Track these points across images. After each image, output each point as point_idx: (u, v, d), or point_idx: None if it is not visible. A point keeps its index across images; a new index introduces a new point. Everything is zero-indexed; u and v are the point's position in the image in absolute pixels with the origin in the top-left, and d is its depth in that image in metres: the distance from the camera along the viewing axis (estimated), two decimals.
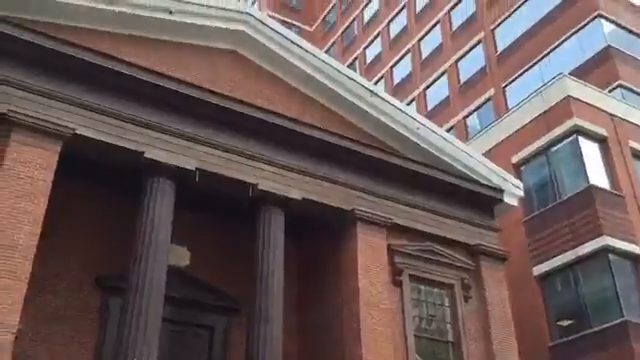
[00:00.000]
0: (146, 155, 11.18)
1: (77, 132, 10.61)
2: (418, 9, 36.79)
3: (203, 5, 12.93)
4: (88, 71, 11.02)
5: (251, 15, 13.42)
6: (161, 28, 12.45)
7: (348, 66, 38.82)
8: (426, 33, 35.53)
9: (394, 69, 37.71)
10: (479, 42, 31.02)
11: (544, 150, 19.19)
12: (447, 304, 13.61)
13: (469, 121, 30.59)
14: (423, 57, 35.27)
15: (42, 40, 10.61)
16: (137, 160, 11.19)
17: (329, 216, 13.17)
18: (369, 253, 12.77)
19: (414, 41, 36.27)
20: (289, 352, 12.08)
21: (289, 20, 45.83)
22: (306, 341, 13.27)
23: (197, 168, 11.59)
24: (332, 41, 45.79)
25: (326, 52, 39.73)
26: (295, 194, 12.46)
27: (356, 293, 12.28)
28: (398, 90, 35.45)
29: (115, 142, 11.01)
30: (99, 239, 12.09)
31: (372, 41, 40.84)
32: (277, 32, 13.63)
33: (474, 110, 30.31)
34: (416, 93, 34.82)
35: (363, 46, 41.66)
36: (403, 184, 13.91)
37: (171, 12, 12.30)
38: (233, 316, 12.94)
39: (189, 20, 12.70)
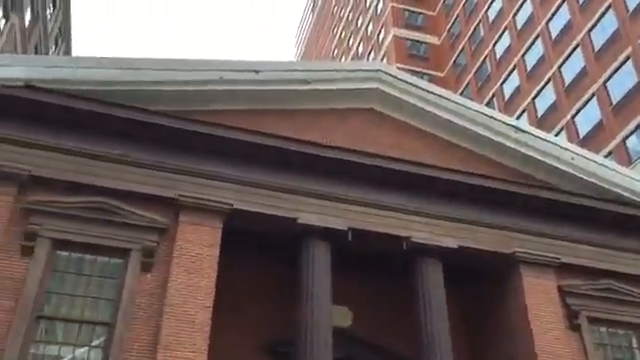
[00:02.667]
0: (299, 221, 11.56)
1: (235, 207, 11.27)
2: (554, 35, 35.35)
3: (336, 70, 13.44)
4: (241, 148, 11.75)
5: (383, 72, 13.67)
6: (298, 98, 13.04)
7: (486, 105, 37.93)
8: (566, 58, 33.90)
9: (536, 101, 36.20)
10: (628, 58, 28.94)
11: None
12: (635, 345, 12.31)
13: (629, 143, 28.28)
14: (566, 84, 33.56)
15: (208, 129, 11.54)
16: (291, 226, 11.60)
17: (489, 262, 12.64)
18: (538, 297, 12.00)
19: (554, 69, 34.72)
20: None
21: (419, 69, 46.02)
22: None
23: (349, 228, 11.75)
24: (465, 82, 45.17)
25: (461, 94, 39.24)
26: (450, 243, 12.15)
27: (530, 343, 11.51)
28: (543, 122, 33.85)
29: (269, 212, 11.53)
30: (264, 306, 12.52)
31: (508, 76, 39.71)
32: (410, 83, 13.75)
33: (634, 130, 28.01)
34: (564, 122, 33.02)
35: (499, 82, 40.61)
36: (565, 219, 13.04)
37: (308, 82, 12.87)
38: None
39: (324, 87, 13.20)
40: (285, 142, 12.00)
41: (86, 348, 9.89)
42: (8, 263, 9.76)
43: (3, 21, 25.15)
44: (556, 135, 30.70)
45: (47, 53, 32.53)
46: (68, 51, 38.01)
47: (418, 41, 49.45)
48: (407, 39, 49.04)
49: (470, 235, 12.42)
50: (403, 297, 12.40)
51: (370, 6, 55.48)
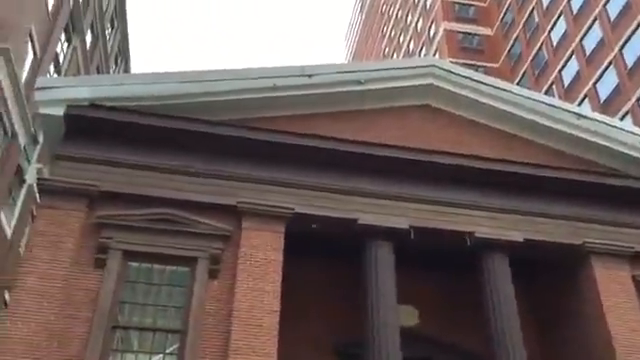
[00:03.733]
0: (360, 221, 11.56)
1: (296, 211, 11.38)
2: (612, 18, 34.06)
3: (388, 69, 13.37)
4: (298, 153, 11.87)
5: (436, 67, 13.53)
6: (352, 99, 13.05)
7: (545, 93, 36.90)
8: (627, 40, 32.59)
9: (597, 85, 34.96)
10: None
11: None
12: None
13: None
14: (629, 66, 32.26)
15: (266, 135, 11.74)
16: (352, 227, 11.61)
17: (557, 254, 12.30)
18: (612, 288, 11.60)
19: (615, 52, 33.44)
20: None
21: (472, 62, 45.20)
22: None
23: (411, 226, 11.67)
24: (522, 72, 44.07)
25: (518, 84, 38.32)
26: (516, 236, 11.90)
27: (606, 335, 11.15)
28: (607, 106, 32.65)
29: (330, 214, 11.58)
30: (330, 309, 12.58)
31: (566, 62, 38.51)
32: (464, 76, 13.55)
33: None
34: (629, 105, 31.74)
35: (557, 69, 39.43)
36: (636, 206, 12.56)
37: (361, 83, 12.87)
38: None
39: (377, 86, 13.15)
40: (341, 144, 12.04)
41: (160, 355, 10.20)
42: (83, 276, 10.18)
43: (66, 44, 26.26)
44: (621, 119, 29.52)
45: (108, 72, 33.74)
46: (127, 69, 39.33)
47: (470, 33, 48.58)
48: (459, 32, 48.25)
49: (536, 227, 12.12)
50: (469, 293, 12.23)
51: (419, 2, 54.92)
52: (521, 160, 12.72)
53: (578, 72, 37.12)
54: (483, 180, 12.33)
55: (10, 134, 20.17)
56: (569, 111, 13.45)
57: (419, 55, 51.43)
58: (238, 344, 9.85)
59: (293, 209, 11.36)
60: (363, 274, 11.34)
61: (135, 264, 10.72)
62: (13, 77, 19.14)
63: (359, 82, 12.89)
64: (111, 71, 34.86)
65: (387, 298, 10.96)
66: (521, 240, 11.87)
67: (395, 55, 60.39)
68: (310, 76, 12.55)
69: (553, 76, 39.87)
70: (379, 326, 10.63)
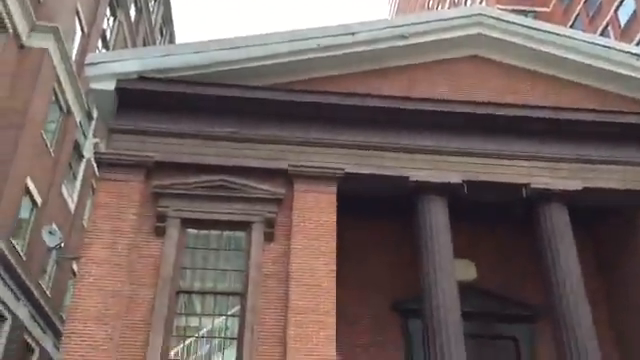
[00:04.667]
0: (412, 178, 11.48)
1: (347, 171, 11.38)
2: None
3: (433, 21, 13.01)
4: (346, 112, 11.80)
5: (483, 15, 13.09)
6: (398, 55, 12.80)
7: (600, 35, 35.30)
8: None
9: None
10: None
11: None
12: None
13: None
14: None
15: (312, 97, 11.73)
16: (404, 184, 11.54)
17: (619, 201, 11.98)
18: None
19: None
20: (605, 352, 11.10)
21: (522, 7, 43.49)
22: (621, 336, 12.09)
23: (464, 180, 11.52)
24: (575, 15, 42.19)
25: (571, 28, 36.78)
26: (574, 185, 11.59)
27: None
28: None
29: (380, 172, 11.53)
30: (385, 267, 12.68)
31: (622, 1, 36.60)
32: (513, 23, 13.08)
33: None
34: None
35: (613, 9, 37.57)
36: None
37: (406, 37, 12.60)
38: (534, 323, 12.41)
39: (423, 39, 12.85)
40: (388, 100, 11.90)
41: (223, 318, 10.53)
42: (145, 244, 10.53)
43: (112, 19, 26.65)
44: None
45: (154, 44, 34.14)
46: (172, 39, 39.66)
47: None
48: None
49: (596, 175, 11.78)
50: (528, 245, 12.09)
51: None
52: (577, 106, 12.29)
53: (635, 12, 35.27)
54: (538, 129, 12.00)
55: (66, 110, 20.79)
56: (628, 52, 12.85)
57: (465, 4, 49.85)
58: (297, 304, 10.05)
59: (343, 169, 11.36)
60: (417, 230, 11.31)
61: (193, 231, 10.99)
62: (64, 54, 19.62)
63: (404, 37, 12.61)
64: (157, 42, 35.25)
65: (443, 253, 10.92)
66: (580, 189, 11.57)
67: (440, 7, 58.71)
68: (354, 34, 12.36)
69: (608, 17, 38.04)
70: (436, 281, 10.63)
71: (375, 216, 12.82)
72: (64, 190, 20.86)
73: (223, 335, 10.43)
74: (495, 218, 12.78)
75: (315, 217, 10.87)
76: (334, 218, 10.94)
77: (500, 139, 11.94)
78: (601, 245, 13.13)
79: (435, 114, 11.90)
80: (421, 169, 11.56)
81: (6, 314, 16.37)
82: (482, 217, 12.72)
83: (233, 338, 10.17)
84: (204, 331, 10.43)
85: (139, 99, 11.48)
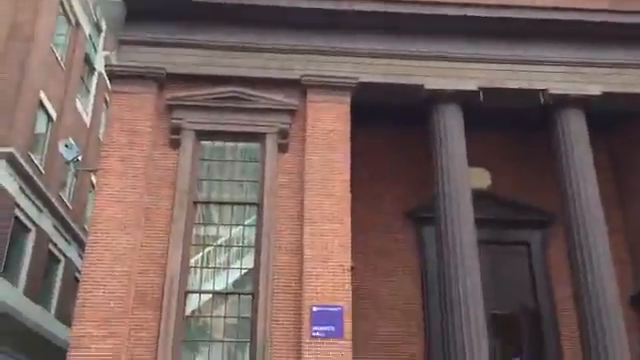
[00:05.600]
0: (426, 87, 11.30)
1: (360, 80, 11.21)
2: None
3: None
4: (355, 20, 11.46)
5: None
6: None
7: None
8: None
9: None
10: None
11: None
12: None
13: None
14: None
15: (321, 3, 11.39)
16: (419, 93, 11.38)
17: (638, 105, 11.75)
18: None
19: None
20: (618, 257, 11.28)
21: None
22: (633, 242, 12.26)
23: (479, 87, 11.32)
24: None
25: None
26: (592, 90, 11.37)
27: None
28: None
29: (394, 81, 11.36)
30: (399, 176, 12.77)
31: None
32: None
33: None
34: None
35: None
36: None
37: None
38: (547, 228, 12.57)
39: None
40: (401, 5, 11.51)
41: (240, 227, 10.76)
42: (161, 156, 10.63)
43: None
44: None
45: None
46: None
47: None
48: None
49: (615, 79, 11.52)
50: (543, 152, 12.04)
51: None
52: (592, 7, 11.79)
53: None
54: (554, 33, 11.63)
55: (74, 23, 20.42)
56: None
57: None
58: (312, 213, 10.21)
59: (357, 78, 11.19)
60: (432, 138, 11.25)
61: (208, 142, 11.05)
62: None
63: None
64: None
65: (457, 161, 10.91)
66: (598, 93, 11.34)
67: None
68: None
69: None
70: (450, 189, 10.68)
71: (389, 126, 12.77)
72: (78, 104, 20.85)
73: (241, 244, 10.70)
74: (510, 126, 12.69)
75: (329, 127, 10.83)
76: (348, 128, 10.90)
77: (515, 44, 11.63)
78: (618, 151, 13.03)
79: (447, 19, 11.54)
80: (436, 77, 11.36)
81: (30, 225, 16.84)
82: (496, 125, 12.62)
83: (251, 246, 10.44)
84: (222, 240, 10.69)
85: (148, 9, 11.22)
